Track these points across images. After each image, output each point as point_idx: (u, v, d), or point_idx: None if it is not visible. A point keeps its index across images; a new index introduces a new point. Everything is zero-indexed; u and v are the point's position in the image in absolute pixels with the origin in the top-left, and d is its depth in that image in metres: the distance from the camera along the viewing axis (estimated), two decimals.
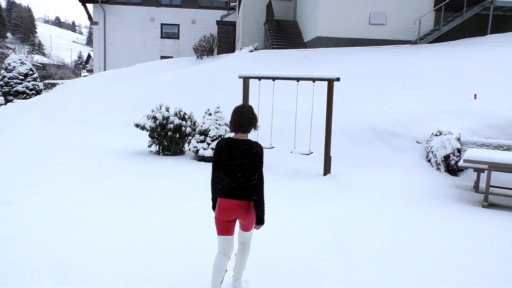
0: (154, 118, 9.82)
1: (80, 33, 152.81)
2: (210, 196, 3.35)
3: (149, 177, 7.70)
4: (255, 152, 3.15)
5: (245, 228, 3.35)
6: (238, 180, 3.16)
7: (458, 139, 8.18)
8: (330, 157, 8.16)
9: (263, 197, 3.16)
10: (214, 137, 9.27)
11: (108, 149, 10.19)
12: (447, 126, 8.73)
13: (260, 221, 3.20)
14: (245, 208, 3.19)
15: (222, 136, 9.29)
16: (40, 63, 53.88)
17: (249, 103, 9.11)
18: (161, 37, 30.55)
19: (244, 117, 3.24)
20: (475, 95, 9.68)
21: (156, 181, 7.37)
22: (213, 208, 3.41)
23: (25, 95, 22.70)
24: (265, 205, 3.22)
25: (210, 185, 3.39)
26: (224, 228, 3.24)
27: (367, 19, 17.54)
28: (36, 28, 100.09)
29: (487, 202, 6.37)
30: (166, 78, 16.32)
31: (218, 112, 9.61)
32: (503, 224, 5.53)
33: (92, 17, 29.86)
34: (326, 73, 8.11)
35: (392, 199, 6.51)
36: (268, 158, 8.81)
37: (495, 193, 6.98)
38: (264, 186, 3.17)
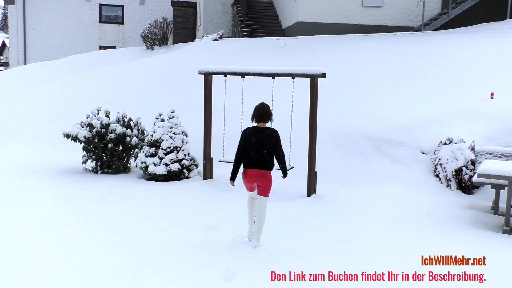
0: (90, 125, 9.68)
1: None
2: (231, 170, 5.74)
3: (84, 202, 7.56)
4: (276, 136, 5.66)
5: (263, 192, 5.63)
6: (264, 155, 5.56)
7: (472, 149, 8.41)
8: (315, 172, 8.22)
9: (286, 163, 5.83)
10: (168, 149, 9.21)
11: (28, 167, 9.98)
12: (458, 132, 8.95)
13: (285, 174, 5.89)
14: (266, 175, 5.58)
15: (179, 148, 9.25)
16: None
17: (212, 105, 9.14)
18: (100, 21, 30.22)
19: (264, 112, 5.70)
20: (492, 94, 9.99)
21: (93, 207, 7.24)
22: (232, 177, 5.73)
23: None
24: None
25: (234, 160, 5.70)
26: (250, 188, 5.71)
27: (359, 0, 17.91)
28: None
29: (508, 226, 6.54)
30: (107, 74, 16.13)
31: (173, 117, 9.56)
32: None
33: None
34: (309, 68, 8.19)
35: (393, 225, 6.60)
36: (239, 175, 8.81)
37: None
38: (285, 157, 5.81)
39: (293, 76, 8.11)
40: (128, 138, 9.78)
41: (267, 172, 5.60)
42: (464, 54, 12.26)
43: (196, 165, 9.62)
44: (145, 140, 9.68)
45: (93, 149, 9.70)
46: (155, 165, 9.22)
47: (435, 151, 8.86)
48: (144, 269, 4.93)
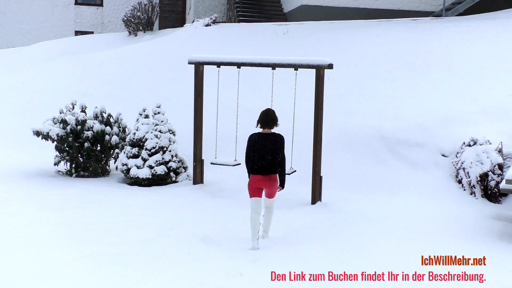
0: (64, 122, 9.67)
1: None
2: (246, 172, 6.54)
3: (56, 209, 7.55)
4: (279, 140, 6.36)
5: (270, 195, 6.46)
6: (269, 161, 6.27)
7: (500, 151, 8.42)
8: (320, 177, 8.21)
9: (285, 169, 6.51)
10: (153, 150, 9.21)
11: None
12: (483, 132, 8.95)
13: (282, 185, 6.43)
14: (271, 180, 6.35)
15: (165, 148, 9.25)
16: None
17: (203, 99, 9.14)
18: (76, 3, 30.18)
19: (269, 118, 6.41)
20: None
21: (67, 216, 7.24)
22: (249, 173, 6.47)
23: None
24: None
25: (245, 164, 6.51)
26: (255, 192, 6.35)
27: None
28: None
29: None
30: (83, 64, 16.11)
31: (158, 113, 9.56)
32: None
33: None
34: (314, 58, 8.19)
35: (410, 238, 6.60)
36: (234, 180, 8.82)
37: None
38: (285, 161, 6.45)
39: (296, 67, 8.10)
40: (107, 137, 9.77)
41: (274, 176, 6.34)
42: (491, 43, 12.26)
43: (185, 168, 9.62)
44: (127, 139, 9.66)
45: (67, 148, 9.68)
46: (138, 167, 9.21)
47: (458, 153, 8.86)
48: (126, 286, 4.93)
